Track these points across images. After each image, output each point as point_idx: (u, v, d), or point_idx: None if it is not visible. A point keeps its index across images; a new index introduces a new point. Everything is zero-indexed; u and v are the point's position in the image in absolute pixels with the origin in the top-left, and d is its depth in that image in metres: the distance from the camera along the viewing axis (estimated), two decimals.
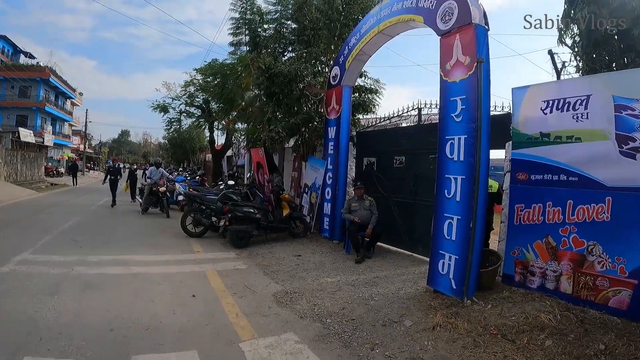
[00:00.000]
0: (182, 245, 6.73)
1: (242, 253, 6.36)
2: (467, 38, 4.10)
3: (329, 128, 7.57)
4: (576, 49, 4.33)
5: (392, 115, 6.98)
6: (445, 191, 4.27)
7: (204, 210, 7.67)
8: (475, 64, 3.97)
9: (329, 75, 7.71)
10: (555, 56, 4.66)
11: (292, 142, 9.41)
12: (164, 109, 20.40)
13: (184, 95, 19.08)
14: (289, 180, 10.65)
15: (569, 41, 4.40)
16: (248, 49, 10.79)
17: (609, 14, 3.88)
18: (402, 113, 6.69)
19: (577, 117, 3.76)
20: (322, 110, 8.36)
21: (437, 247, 4.32)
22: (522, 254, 4.11)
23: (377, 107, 8.74)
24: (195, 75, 17.63)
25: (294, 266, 5.58)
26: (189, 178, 14.16)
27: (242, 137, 14.34)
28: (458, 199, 4.11)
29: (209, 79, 16.30)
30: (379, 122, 7.41)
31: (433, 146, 6.00)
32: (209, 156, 23.85)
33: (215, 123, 19.78)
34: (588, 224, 3.64)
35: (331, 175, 7.47)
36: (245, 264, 5.69)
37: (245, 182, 11.16)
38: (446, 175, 4.28)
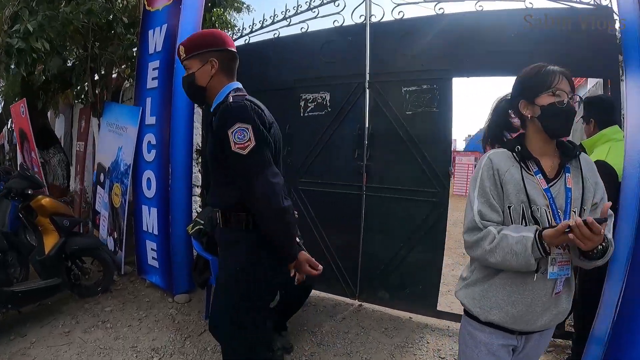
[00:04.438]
0: None
1: None
2: None
3: (152, 31, 3.31)
4: None
5: (291, 13, 3.21)
6: None
7: None
8: None
9: None
10: None
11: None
12: None
13: None
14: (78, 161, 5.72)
15: None
16: None
17: None
18: (319, 5, 3.03)
19: None
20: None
21: None
22: None
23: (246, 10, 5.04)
24: None
25: None
26: None
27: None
28: None
29: None
30: (262, 27, 3.48)
31: (420, 68, 2.47)
32: None
33: None
34: None
35: (155, 141, 3.23)
36: None
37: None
38: None
